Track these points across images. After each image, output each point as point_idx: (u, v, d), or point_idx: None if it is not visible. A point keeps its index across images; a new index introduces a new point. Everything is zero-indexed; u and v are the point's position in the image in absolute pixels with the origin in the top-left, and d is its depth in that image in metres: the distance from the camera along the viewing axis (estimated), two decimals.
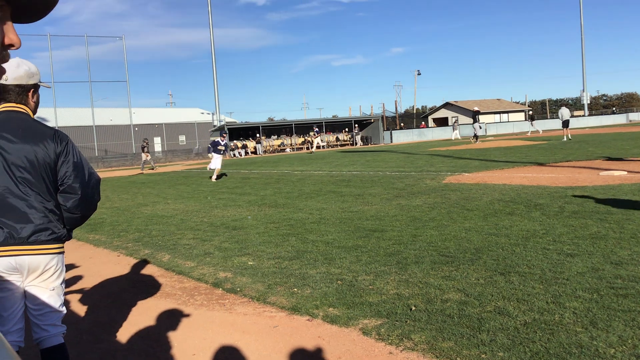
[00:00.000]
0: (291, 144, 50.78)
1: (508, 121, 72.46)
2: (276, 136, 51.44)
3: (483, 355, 3.62)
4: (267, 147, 49.03)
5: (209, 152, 20.91)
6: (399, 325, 4.28)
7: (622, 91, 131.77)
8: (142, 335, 4.76)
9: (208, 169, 21.37)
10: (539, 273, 5.33)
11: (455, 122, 56.03)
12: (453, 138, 51.70)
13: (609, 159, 17.08)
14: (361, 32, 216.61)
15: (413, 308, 4.62)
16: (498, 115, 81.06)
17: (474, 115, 38.57)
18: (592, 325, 3.95)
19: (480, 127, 39.12)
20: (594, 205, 8.85)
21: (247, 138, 48.86)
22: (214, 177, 20.22)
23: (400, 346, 3.92)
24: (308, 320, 4.64)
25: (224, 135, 21.49)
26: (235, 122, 65.73)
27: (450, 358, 3.64)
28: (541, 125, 55.24)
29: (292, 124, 52.89)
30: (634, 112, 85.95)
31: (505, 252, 6.24)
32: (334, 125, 55.75)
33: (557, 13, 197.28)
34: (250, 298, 5.41)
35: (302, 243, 7.63)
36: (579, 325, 3.96)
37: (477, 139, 38.40)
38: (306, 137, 51.38)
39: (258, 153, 47.28)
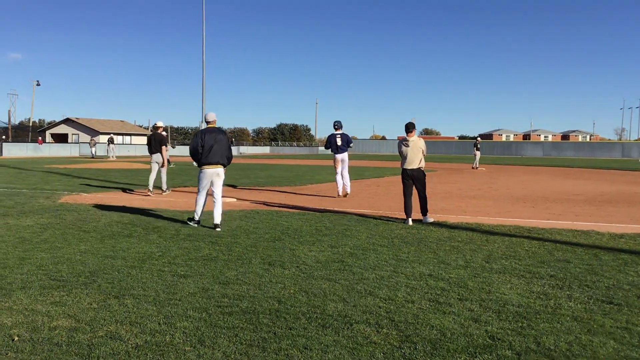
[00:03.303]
0: None
1: (131, 144, 72.66)
2: None
3: None
4: None
5: (342, 152, 15.25)
6: None
7: (235, 125, 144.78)
8: None
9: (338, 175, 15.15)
10: (154, 295, 5.41)
11: (91, 140, 53.87)
12: (92, 156, 49.81)
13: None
14: None
15: (16, 338, 4.20)
16: (121, 137, 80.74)
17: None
18: (200, 343, 4.17)
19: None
20: (207, 228, 9.44)
21: None
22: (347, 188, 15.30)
23: None
24: None
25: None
26: None
27: None
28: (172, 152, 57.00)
29: None
30: (244, 145, 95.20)
31: (121, 275, 6.17)
32: None
33: (183, 44, 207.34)
34: None
35: None
36: (188, 345, 4.14)
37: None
38: None
39: None
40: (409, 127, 10.71)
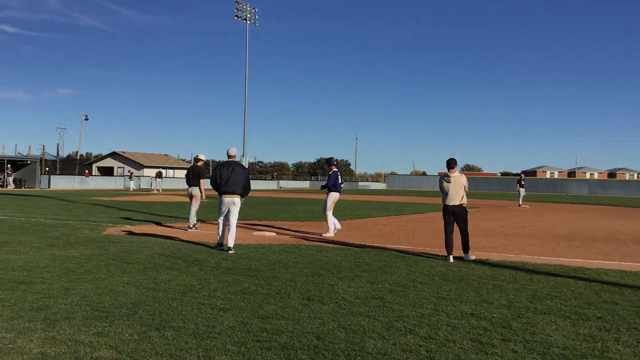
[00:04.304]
0: None
1: (174, 177, 73.98)
2: None
3: None
4: None
5: (336, 191, 14.80)
6: None
7: (275, 160, 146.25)
8: None
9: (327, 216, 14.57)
10: (193, 327, 5.44)
11: (131, 173, 55.24)
12: (131, 189, 50.92)
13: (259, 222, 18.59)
14: (26, 66, 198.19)
15: None
16: (164, 170, 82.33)
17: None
18: None
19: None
20: (246, 262, 9.48)
21: None
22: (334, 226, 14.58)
23: None
24: None
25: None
26: None
27: None
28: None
29: None
30: (284, 179, 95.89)
31: (161, 307, 6.23)
32: None
33: (226, 79, 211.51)
34: None
35: None
36: None
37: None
38: None
39: None
40: (451, 163, 10.65)
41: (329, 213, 14.57)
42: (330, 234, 14.28)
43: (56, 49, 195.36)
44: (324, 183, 15.24)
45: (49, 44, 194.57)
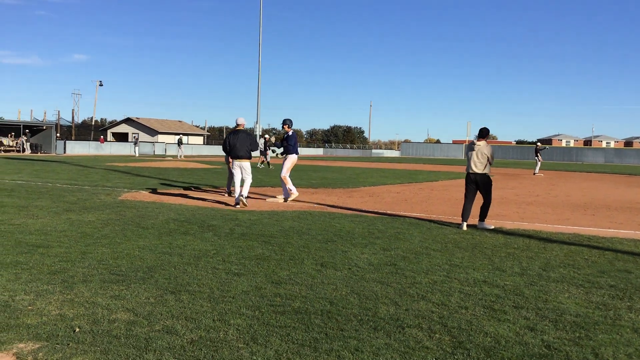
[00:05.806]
0: None
1: (188, 143, 74.16)
2: None
3: None
4: None
5: (291, 153, 14.44)
6: (60, 348, 3.98)
7: None
8: None
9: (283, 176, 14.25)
10: (208, 291, 5.52)
11: (136, 139, 55.51)
12: (136, 154, 51.24)
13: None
14: (40, 31, 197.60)
15: (77, 329, 4.35)
16: (178, 136, 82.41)
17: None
18: (252, 341, 4.22)
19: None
20: (260, 228, 9.55)
21: None
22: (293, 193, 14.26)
23: None
24: None
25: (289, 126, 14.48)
26: None
27: None
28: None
29: None
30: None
31: (177, 271, 6.31)
32: None
33: (240, 46, 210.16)
34: None
35: None
36: (241, 342, 4.20)
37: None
38: None
39: None
40: (481, 133, 10.77)
41: (287, 175, 14.20)
42: (279, 199, 14.08)
43: (70, 14, 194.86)
44: (279, 146, 14.70)
45: (63, 9, 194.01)
